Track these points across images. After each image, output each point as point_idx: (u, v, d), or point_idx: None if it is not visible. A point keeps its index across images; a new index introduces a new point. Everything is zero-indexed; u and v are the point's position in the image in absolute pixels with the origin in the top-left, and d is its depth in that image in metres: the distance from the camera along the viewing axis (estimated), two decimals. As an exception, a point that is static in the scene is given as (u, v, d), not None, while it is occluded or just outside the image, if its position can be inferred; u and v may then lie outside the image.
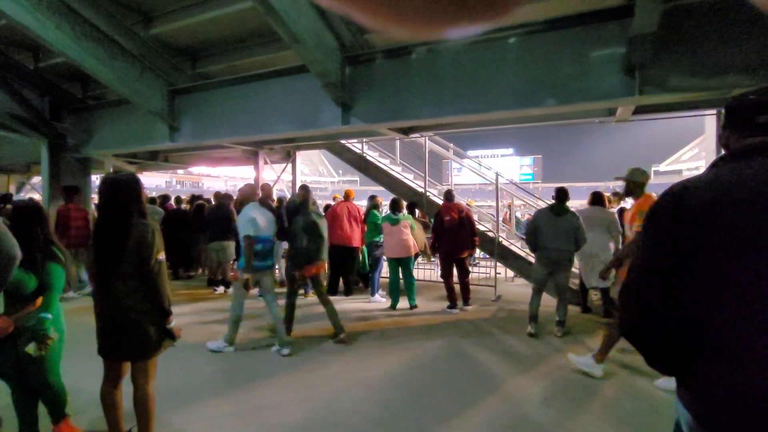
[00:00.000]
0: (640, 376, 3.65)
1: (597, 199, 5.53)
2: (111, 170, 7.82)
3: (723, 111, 1.25)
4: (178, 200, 8.90)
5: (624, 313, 1.19)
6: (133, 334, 2.22)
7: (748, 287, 0.98)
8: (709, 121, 6.48)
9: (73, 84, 7.50)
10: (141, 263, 2.19)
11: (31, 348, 2.23)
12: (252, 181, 7.66)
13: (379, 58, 4.48)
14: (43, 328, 2.28)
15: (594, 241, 5.23)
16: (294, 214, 6.47)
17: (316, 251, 4.36)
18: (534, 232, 4.75)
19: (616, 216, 5.56)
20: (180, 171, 31.08)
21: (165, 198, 9.09)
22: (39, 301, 2.28)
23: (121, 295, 2.18)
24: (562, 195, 4.78)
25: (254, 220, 4.01)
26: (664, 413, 2.96)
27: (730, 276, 1.00)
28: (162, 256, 2.26)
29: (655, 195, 3.68)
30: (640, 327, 1.14)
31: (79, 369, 3.18)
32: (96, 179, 10.21)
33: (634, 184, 3.79)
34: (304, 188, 4.77)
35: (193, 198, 8.36)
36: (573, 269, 6.44)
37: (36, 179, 11.52)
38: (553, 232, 4.62)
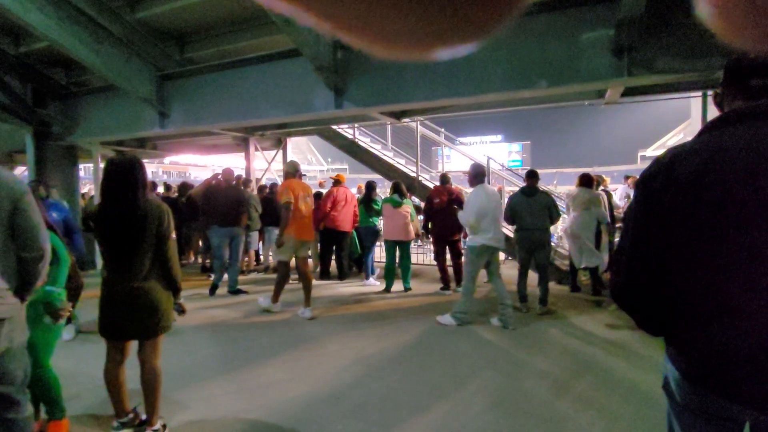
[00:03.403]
0: (631, 349, 3.79)
1: (585, 180, 5.64)
2: (99, 157, 7.72)
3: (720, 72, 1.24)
4: (167, 187, 8.83)
5: (615, 277, 1.23)
6: (148, 312, 2.29)
7: (736, 253, 1.02)
8: (695, 105, 6.61)
9: (57, 70, 7.33)
10: (160, 241, 2.30)
11: (47, 320, 2.24)
12: (240, 170, 7.66)
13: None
14: (54, 301, 2.25)
15: (582, 222, 5.37)
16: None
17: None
18: (511, 215, 4.97)
19: (603, 197, 5.69)
20: (167, 161, 30.63)
21: (153, 185, 9.00)
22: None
23: (138, 274, 2.26)
24: (531, 177, 5.05)
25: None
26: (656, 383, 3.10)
27: (718, 243, 1.04)
28: (174, 234, 2.36)
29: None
30: (631, 291, 1.18)
31: (78, 352, 3.21)
32: (82, 169, 10.07)
33: None
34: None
35: (184, 186, 8.30)
36: (563, 250, 6.61)
37: (20, 169, 11.29)
38: (528, 212, 4.84)
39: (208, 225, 5.66)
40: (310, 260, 7.18)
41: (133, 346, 2.42)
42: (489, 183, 7.65)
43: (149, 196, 2.35)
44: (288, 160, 9.64)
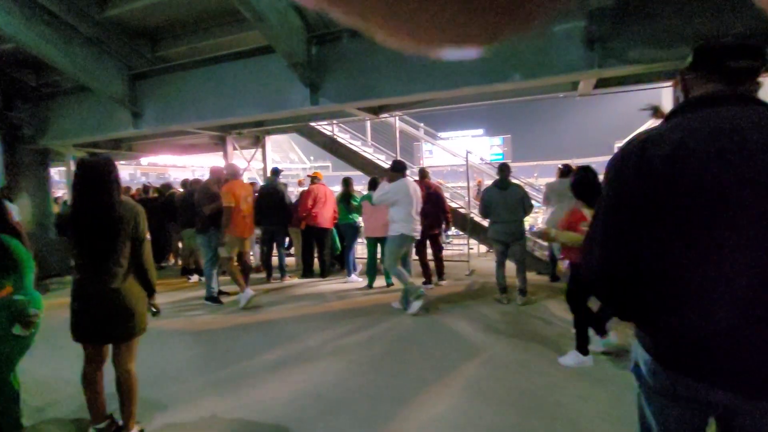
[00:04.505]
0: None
1: (565, 172, 5.73)
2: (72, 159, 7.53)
3: (689, 56, 1.21)
4: (146, 189, 8.66)
5: (588, 263, 1.20)
6: (123, 314, 2.26)
7: (706, 238, 1.03)
8: (666, 97, 6.76)
9: (26, 71, 7.09)
10: (135, 243, 2.29)
11: (17, 330, 2.18)
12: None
13: (345, 37, 4.46)
14: (21, 309, 2.19)
15: (562, 213, 5.44)
16: (267, 199, 6.47)
17: None
18: (486, 209, 5.06)
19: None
20: (144, 162, 30.01)
21: (126, 190, 8.81)
22: (9, 288, 2.22)
23: (114, 276, 2.23)
24: (503, 170, 5.17)
25: None
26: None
27: (689, 227, 1.04)
28: (148, 234, 2.36)
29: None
30: (604, 277, 1.16)
31: (55, 359, 3.14)
32: (55, 173, 9.79)
33: None
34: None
35: (166, 187, 8.16)
36: (542, 241, 6.70)
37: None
38: (503, 205, 4.93)
39: (205, 228, 5.37)
40: (252, 257, 7.31)
41: (109, 348, 2.38)
42: (469, 177, 7.73)
43: (124, 199, 2.32)
44: (268, 159, 9.59)
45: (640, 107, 2.67)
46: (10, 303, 2.15)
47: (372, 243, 6.01)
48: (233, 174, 5.48)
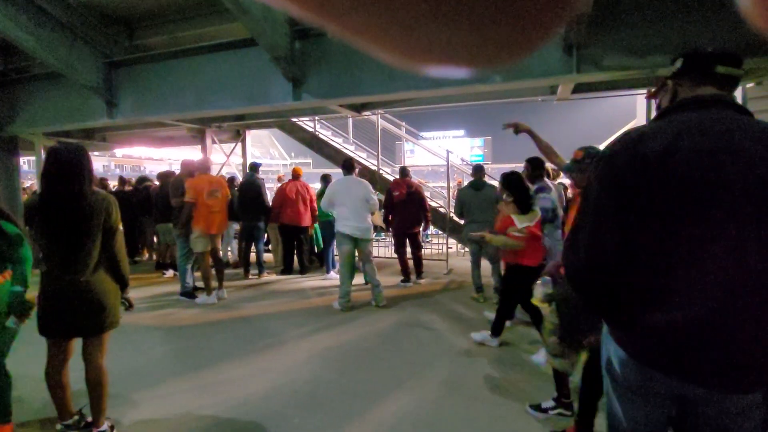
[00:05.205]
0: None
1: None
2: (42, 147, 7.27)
3: (678, 61, 1.26)
4: (122, 181, 8.42)
5: (573, 256, 1.19)
6: (94, 308, 2.20)
7: (694, 235, 1.05)
8: (640, 104, 6.96)
9: (-7, 55, 6.82)
10: (107, 234, 2.22)
11: (11, 323, 2.11)
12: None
13: (328, 32, 4.43)
14: (20, 300, 2.13)
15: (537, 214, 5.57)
16: (246, 194, 6.40)
17: None
18: (461, 208, 5.18)
19: (561, 189, 5.90)
20: (119, 154, 29.21)
21: (103, 182, 8.55)
22: (7, 274, 2.15)
23: (85, 268, 2.16)
24: (478, 171, 5.32)
25: None
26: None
27: (679, 223, 1.06)
28: (121, 226, 2.30)
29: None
30: (590, 271, 1.15)
31: (20, 354, 3.03)
32: (24, 162, 9.42)
33: None
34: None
35: (142, 179, 7.94)
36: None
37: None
38: (477, 205, 5.04)
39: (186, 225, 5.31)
40: (229, 253, 7.33)
41: (76, 344, 2.32)
42: (450, 177, 7.80)
43: (95, 189, 2.25)
44: (248, 154, 9.47)
45: (503, 124, 2.94)
46: (11, 293, 2.08)
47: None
48: (200, 168, 5.36)
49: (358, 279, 6.04)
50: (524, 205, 3.31)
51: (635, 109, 7.60)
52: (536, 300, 2.41)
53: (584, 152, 2.23)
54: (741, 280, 1.03)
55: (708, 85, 1.19)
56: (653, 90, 1.39)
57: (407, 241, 6.01)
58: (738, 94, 4.53)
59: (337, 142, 8.51)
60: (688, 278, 1.07)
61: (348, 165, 4.99)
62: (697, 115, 1.13)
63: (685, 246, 1.06)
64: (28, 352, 2.46)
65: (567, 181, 7.03)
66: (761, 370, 1.06)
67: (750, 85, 4.37)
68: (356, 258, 6.00)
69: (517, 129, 2.81)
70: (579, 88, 5.44)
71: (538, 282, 2.33)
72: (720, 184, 1.03)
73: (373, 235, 6.99)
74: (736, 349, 1.06)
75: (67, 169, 2.14)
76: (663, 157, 1.06)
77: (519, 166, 4.41)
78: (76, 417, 2.35)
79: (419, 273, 6.15)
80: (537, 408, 2.59)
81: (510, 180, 3.40)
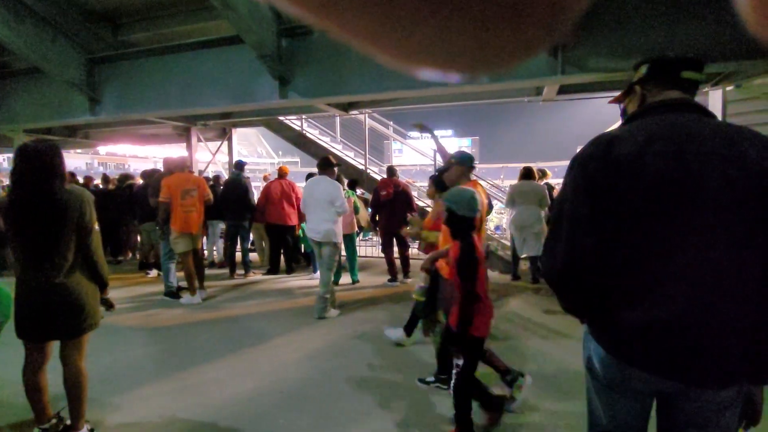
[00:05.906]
0: (565, 333, 4.03)
1: (527, 173, 5.90)
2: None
3: (643, 67, 1.30)
4: (106, 179, 8.27)
5: (551, 260, 1.21)
6: (72, 310, 2.15)
7: (665, 234, 1.08)
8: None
9: (-30, 50, 6.63)
10: (82, 234, 2.15)
11: None
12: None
13: (317, 31, 4.41)
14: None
15: (526, 214, 5.62)
16: (231, 193, 6.34)
17: None
18: None
19: (546, 190, 5.97)
20: (103, 151, 28.70)
21: (72, 175, 8.36)
22: None
23: (60, 269, 2.10)
24: None
25: None
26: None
27: (651, 223, 1.09)
28: (97, 225, 2.23)
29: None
30: (568, 274, 1.18)
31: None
32: (3, 160, 9.18)
33: None
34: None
35: (124, 178, 7.81)
36: (506, 241, 6.88)
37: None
38: None
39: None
40: (215, 252, 7.30)
41: (55, 346, 2.27)
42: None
43: (68, 186, 2.19)
44: (235, 152, 9.38)
45: (412, 124, 3.26)
46: None
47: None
48: (177, 166, 5.25)
49: (345, 278, 6.04)
50: None
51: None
52: (416, 294, 3.04)
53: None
54: (710, 277, 1.06)
55: (674, 89, 1.24)
56: (618, 95, 1.46)
57: (394, 240, 6.02)
58: (718, 97, 4.63)
59: (324, 141, 8.47)
60: (661, 277, 1.10)
61: (322, 164, 4.69)
62: (666, 118, 1.17)
63: (658, 246, 1.09)
64: (8, 355, 2.41)
65: (553, 182, 7.12)
66: (734, 365, 1.09)
67: (729, 88, 4.46)
68: (342, 257, 6.02)
69: (422, 129, 3.34)
70: (565, 89, 5.50)
71: (419, 279, 2.85)
72: (689, 185, 1.06)
73: (360, 236, 7.04)
74: (708, 344, 1.08)
75: (37, 167, 2.08)
76: (635, 161, 1.10)
77: (506, 166, 4.45)
78: (53, 420, 2.29)
79: (406, 272, 6.15)
80: (423, 381, 2.99)
81: (439, 181, 3.41)
